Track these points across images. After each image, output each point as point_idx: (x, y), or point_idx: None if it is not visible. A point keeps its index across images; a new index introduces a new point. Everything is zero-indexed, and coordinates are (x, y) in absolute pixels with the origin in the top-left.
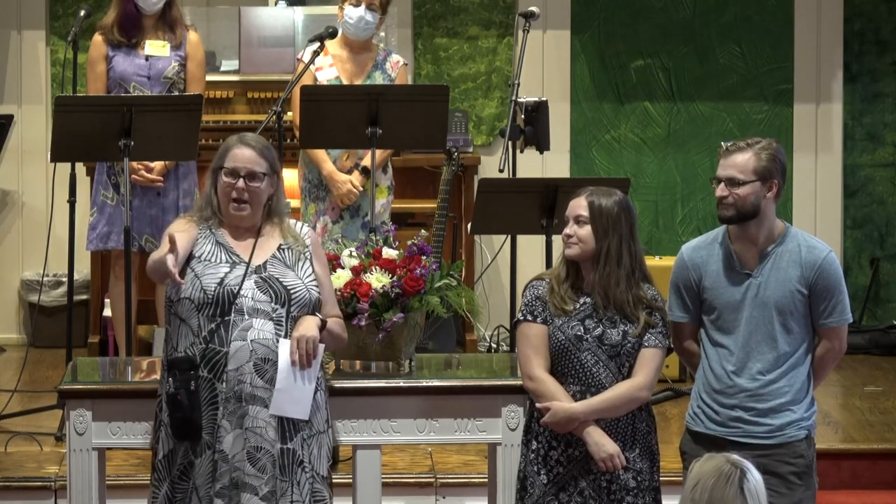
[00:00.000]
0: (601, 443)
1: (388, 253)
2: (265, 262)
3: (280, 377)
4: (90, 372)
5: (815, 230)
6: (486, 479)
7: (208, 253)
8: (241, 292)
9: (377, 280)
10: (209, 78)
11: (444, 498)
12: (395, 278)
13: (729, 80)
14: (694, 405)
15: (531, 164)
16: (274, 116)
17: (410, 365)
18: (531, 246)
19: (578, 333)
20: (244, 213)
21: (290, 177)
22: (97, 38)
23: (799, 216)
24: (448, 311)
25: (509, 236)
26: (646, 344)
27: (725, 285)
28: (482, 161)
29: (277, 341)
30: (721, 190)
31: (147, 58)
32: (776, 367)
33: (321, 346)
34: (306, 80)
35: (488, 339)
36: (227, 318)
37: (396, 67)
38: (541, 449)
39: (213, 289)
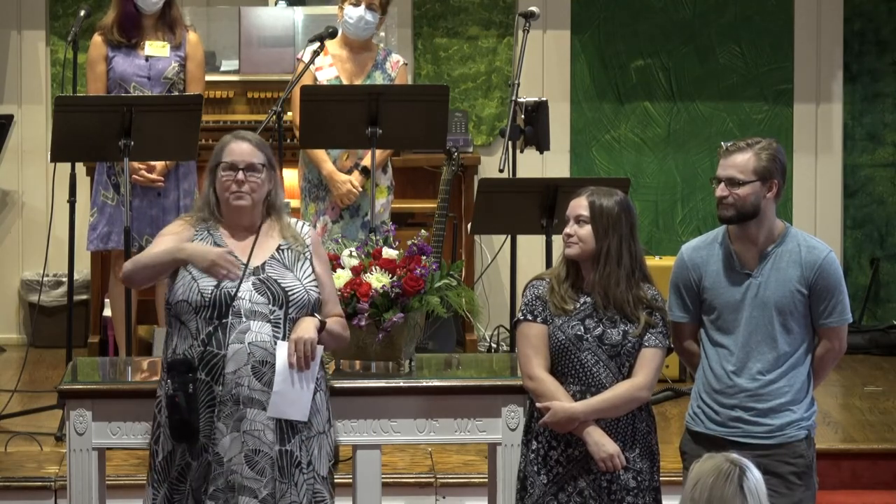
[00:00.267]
0: (601, 443)
1: (388, 253)
2: (263, 264)
3: (278, 379)
4: (90, 372)
5: (815, 230)
6: (486, 479)
7: None
8: (239, 294)
9: (377, 280)
10: (209, 78)
11: (444, 498)
12: (395, 278)
13: (729, 80)
14: (694, 405)
15: (531, 164)
16: (274, 116)
17: (410, 365)
18: (531, 246)
19: (579, 333)
20: (244, 202)
21: (290, 177)
22: (97, 38)
23: (799, 216)
24: (448, 311)
25: (509, 236)
26: (646, 344)
27: (725, 285)
28: (482, 161)
29: (275, 344)
30: (721, 190)
31: (147, 58)
32: (776, 367)
33: (319, 348)
34: (306, 80)
35: (488, 339)
36: (224, 320)
37: (396, 67)
38: (541, 449)
39: (210, 291)
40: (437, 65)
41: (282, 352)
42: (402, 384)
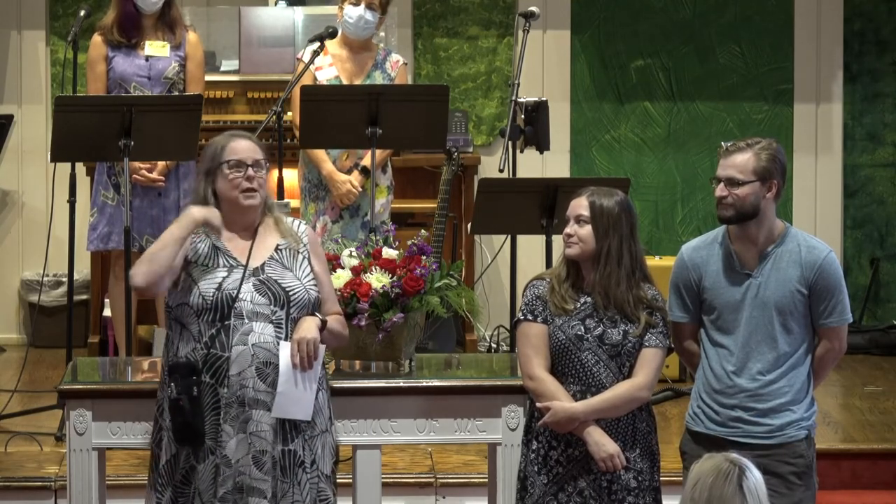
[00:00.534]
0: (601, 443)
1: (388, 253)
2: (263, 264)
3: (281, 380)
4: (90, 372)
5: (815, 230)
6: (486, 479)
7: (205, 257)
8: (240, 296)
9: (377, 280)
10: (209, 78)
11: (444, 498)
12: (395, 278)
13: (729, 80)
14: (694, 405)
15: (531, 164)
16: (274, 116)
17: (410, 365)
18: (531, 246)
19: (579, 333)
20: (255, 201)
21: (290, 177)
22: (97, 38)
23: (799, 216)
24: (448, 311)
25: (509, 236)
26: (646, 344)
27: (725, 285)
28: (482, 161)
29: (278, 344)
30: (720, 190)
31: (147, 58)
32: (776, 367)
33: (322, 347)
34: (306, 80)
35: (488, 339)
36: (227, 322)
37: (396, 67)
38: (541, 449)
39: (211, 294)
40: (437, 65)
41: (285, 352)
42: (402, 384)
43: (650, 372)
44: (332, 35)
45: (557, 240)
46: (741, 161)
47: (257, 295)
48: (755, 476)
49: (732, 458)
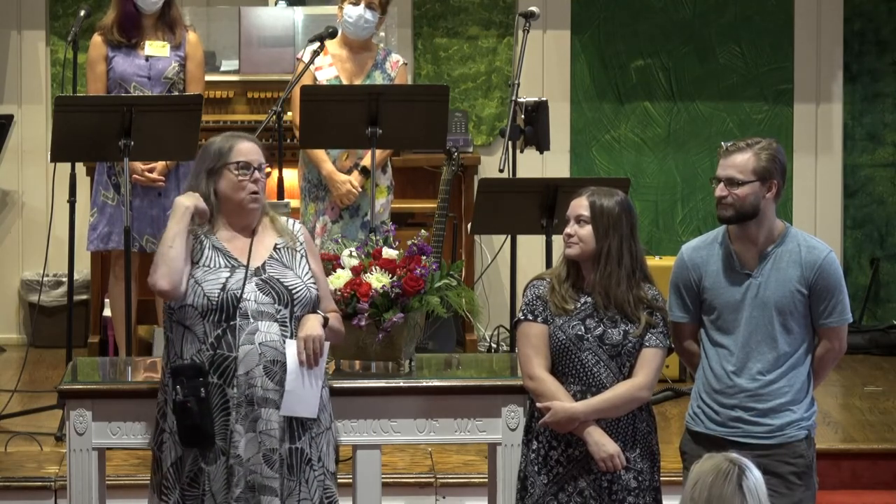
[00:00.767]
0: (601, 443)
1: (388, 253)
2: (263, 264)
3: (289, 378)
4: (90, 372)
5: (815, 230)
6: (486, 479)
7: (206, 258)
8: (244, 296)
9: (377, 280)
10: (209, 78)
11: (444, 498)
12: (395, 278)
13: (729, 80)
14: (694, 405)
15: (531, 164)
16: (274, 116)
17: (410, 365)
18: (531, 246)
19: (579, 333)
20: (258, 205)
21: (290, 177)
22: (97, 38)
23: (799, 216)
24: (448, 311)
25: (509, 236)
26: (646, 344)
27: (725, 285)
28: (482, 161)
29: (284, 343)
30: (720, 190)
31: (147, 58)
32: (776, 367)
33: (326, 344)
34: (306, 80)
35: (488, 339)
36: (232, 322)
37: (396, 67)
38: (541, 449)
39: (216, 294)
40: (437, 65)
41: (291, 350)
42: (402, 384)
43: (650, 372)
44: (332, 35)
45: (557, 240)
46: (741, 161)
47: (261, 294)
48: (755, 476)
49: (732, 457)
